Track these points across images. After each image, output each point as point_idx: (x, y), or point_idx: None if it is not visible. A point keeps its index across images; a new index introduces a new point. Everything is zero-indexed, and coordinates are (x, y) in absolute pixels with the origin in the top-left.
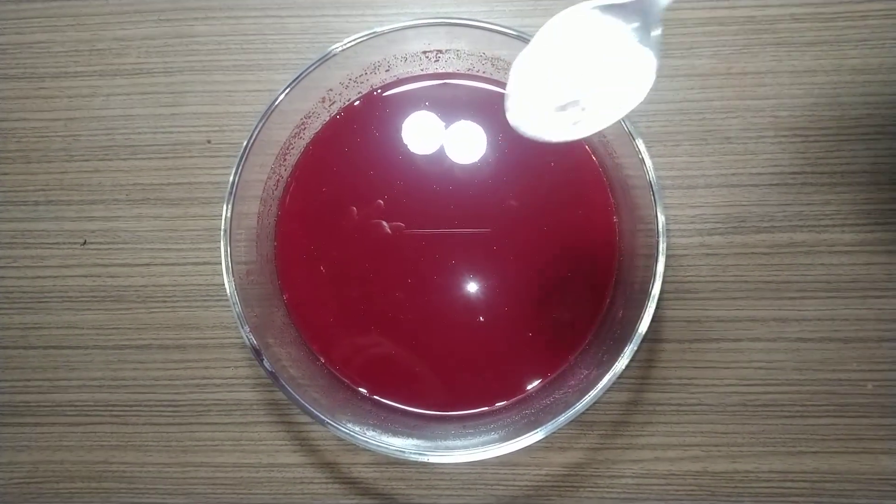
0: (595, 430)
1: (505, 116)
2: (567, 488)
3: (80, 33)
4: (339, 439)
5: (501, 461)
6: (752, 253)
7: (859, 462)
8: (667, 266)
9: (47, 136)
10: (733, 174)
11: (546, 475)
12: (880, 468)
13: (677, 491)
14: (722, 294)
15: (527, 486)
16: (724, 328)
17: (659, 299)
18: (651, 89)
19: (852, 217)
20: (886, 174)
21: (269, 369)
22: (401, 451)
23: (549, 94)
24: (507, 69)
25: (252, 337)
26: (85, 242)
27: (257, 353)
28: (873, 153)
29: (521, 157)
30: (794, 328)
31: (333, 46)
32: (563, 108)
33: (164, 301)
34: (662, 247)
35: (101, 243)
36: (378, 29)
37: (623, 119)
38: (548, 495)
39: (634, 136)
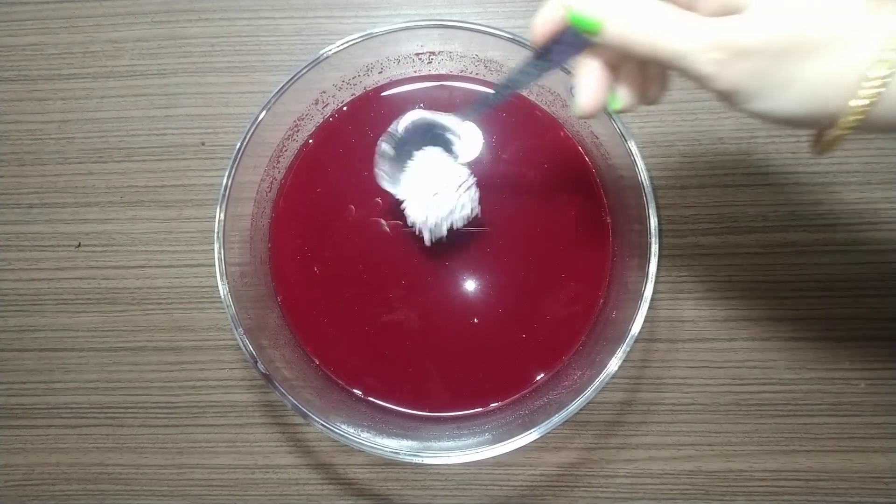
0: (589, 430)
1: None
2: (561, 488)
3: (74, 35)
4: (334, 440)
5: (496, 461)
6: (746, 253)
7: (852, 460)
8: (660, 266)
9: (41, 139)
10: (726, 174)
11: (541, 475)
12: (872, 466)
13: (671, 490)
14: (715, 294)
15: (521, 486)
16: (717, 328)
17: (652, 299)
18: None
19: (845, 217)
20: (878, 174)
21: (264, 371)
22: (395, 452)
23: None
24: (499, 71)
25: (246, 339)
26: (79, 245)
27: (251, 356)
28: (865, 153)
29: (514, 158)
30: (788, 328)
31: (327, 48)
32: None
33: (159, 303)
34: (655, 247)
35: (95, 245)
36: (371, 31)
37: (615, 120)
38: (542, 495)
39: (627, 137)
